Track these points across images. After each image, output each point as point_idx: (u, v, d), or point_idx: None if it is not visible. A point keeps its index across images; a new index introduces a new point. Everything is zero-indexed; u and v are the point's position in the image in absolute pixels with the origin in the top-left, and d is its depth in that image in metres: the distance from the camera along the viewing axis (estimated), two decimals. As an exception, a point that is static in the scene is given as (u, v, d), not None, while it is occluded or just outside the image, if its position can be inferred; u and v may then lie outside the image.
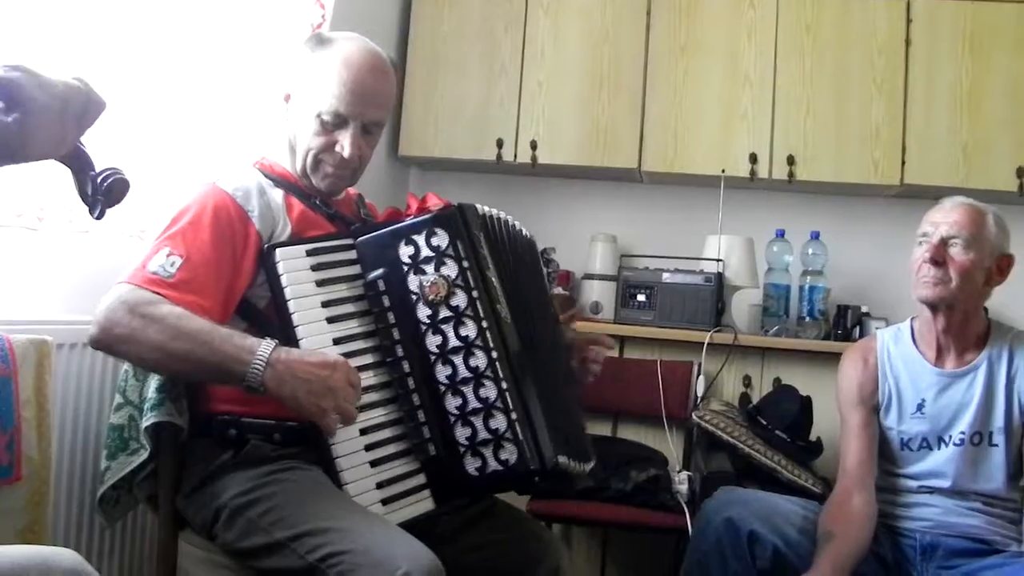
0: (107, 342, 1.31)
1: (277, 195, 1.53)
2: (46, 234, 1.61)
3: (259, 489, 1.36)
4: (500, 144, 3.14)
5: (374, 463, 1.38)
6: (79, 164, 1.00)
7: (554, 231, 3.28)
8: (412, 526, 1.34)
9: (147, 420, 1.48)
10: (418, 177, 3.57)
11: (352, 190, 1.70)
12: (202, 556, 1.46)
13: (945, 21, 2.95)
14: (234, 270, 1.43)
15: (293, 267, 1.41)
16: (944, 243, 1.79)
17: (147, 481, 1.55)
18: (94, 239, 1.75)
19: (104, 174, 1.01)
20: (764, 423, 2.42)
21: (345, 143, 1.51)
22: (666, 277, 2.88)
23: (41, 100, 0.87)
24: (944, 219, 1.81)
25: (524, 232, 1.65)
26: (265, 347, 1.28)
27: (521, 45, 3.17)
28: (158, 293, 1.32)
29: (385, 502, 1.36)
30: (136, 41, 1.83)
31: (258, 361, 1.26)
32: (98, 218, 1.02)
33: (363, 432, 1.38)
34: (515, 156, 3.14)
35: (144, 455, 1.51)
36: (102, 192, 1.00)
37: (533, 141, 3.12)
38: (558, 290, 3.12)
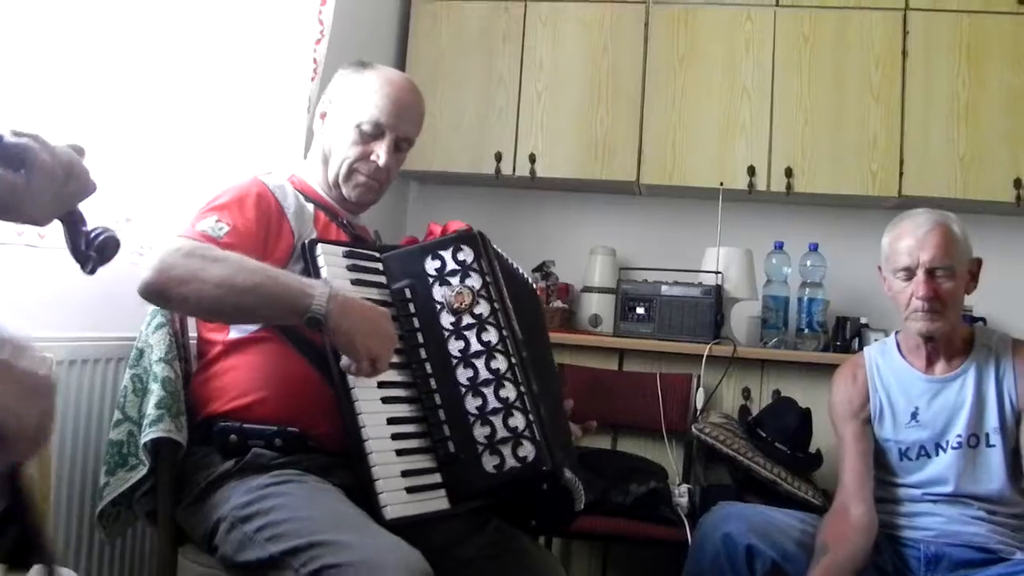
0: (161, 284, 1.31)
1: (308, 207, 1.61)
2: (47, 252, 1.62)
3: (257, 503, 1.37)
4: (499, 157, 3.15)
5: (399, 452, 1.41)
6: (72, 219, 1.02)
7: (553, 244, 3.30)
8: (411, 526, 1.35)
9: (146, 436, 1.48)
10: (417, 191, 3.58)
11: (369, 226, 1.79)
12: (201, 571, 1.46)
13: (942, 33, 2.96)
14: (265, 256, 1.47)
15: (333, 263, 1.48)
16: (931, 275, 1.79)
17: (146, 497, 1.56)
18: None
19: (96, 232, 1.03)
20: (764, 435, 2.42)
21: (380, 152, 1.63)
22: (665, 290, 2.88)
23: (49, 164, 0.90)
24: (921, 247, 1.79)
25: (522, 272, 1.73)
26: (323, 284, 1.35)
27: (519, 58, 3.19)
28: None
29: (409, 491, 1.39)
30: (138, 57, 1.84)
31: (322, 292, 1.32)
32: (90, 274, 1.04)
33: (390, 422, 1.42)
34: (514, 169, 3.15)
35: (143, 471, 1.51)
36: (94, 249, 1.03)
37: (532, 154, 3.13)
38: (557, 304, 3.13)
